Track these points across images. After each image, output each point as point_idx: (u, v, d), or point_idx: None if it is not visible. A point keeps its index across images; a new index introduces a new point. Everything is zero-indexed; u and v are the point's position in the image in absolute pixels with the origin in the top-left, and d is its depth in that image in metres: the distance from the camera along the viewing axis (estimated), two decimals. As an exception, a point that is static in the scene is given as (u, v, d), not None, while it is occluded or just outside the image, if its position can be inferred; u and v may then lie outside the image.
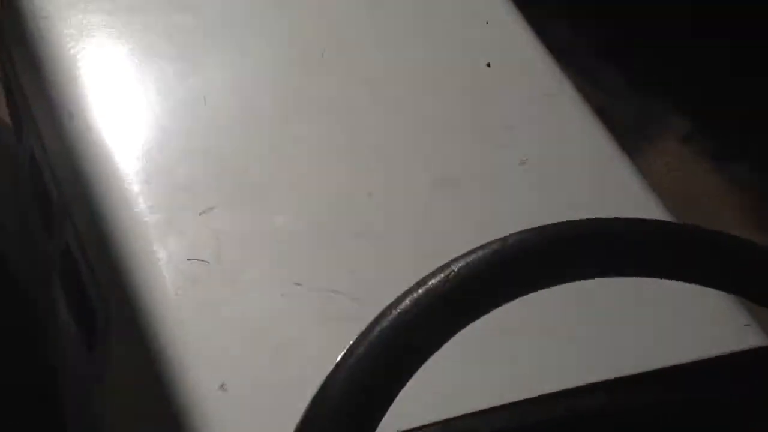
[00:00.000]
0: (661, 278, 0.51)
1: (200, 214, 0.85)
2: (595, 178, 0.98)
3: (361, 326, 0.47)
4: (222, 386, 0.72)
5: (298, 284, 0.80)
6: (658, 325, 0.83)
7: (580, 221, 0.50)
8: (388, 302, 0.47)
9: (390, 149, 0.94)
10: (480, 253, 0.48)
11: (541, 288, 0.49)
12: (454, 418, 0.67)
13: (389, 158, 0.94)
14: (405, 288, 0.47)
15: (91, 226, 0.87)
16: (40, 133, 1.02)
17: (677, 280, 0.51)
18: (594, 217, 0.51)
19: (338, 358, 0.46)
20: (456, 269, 0.47)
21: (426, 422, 0.67)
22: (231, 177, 0.88)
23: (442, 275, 0.47)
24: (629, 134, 2.56)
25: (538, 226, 0.50)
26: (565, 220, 0.50)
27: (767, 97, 2.86)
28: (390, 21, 1.15)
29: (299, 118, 0.96)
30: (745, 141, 2.81)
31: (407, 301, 0.47)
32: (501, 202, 0.93)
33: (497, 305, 0.48)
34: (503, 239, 0.48)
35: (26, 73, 1.05)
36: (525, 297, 0.49)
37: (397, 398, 0.46)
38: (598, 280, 0.50)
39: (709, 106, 2.83)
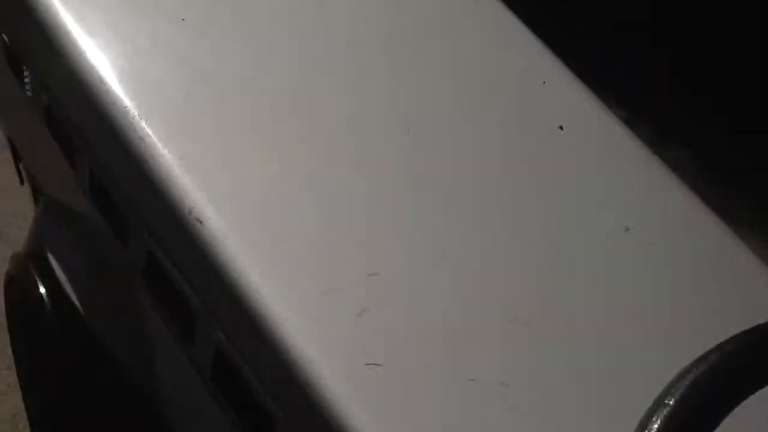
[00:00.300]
0: None
1: (358, 315, 0.88)
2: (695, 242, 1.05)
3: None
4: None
5: (472, 380, 0.84)
6: None
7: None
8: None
9: (528, 230, 1.01)
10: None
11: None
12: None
13: (527, 239, 1.00)
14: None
15: (245, 336, 0.90)
16: (159, 233, 1.04)
17: None
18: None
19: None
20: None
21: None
22: (383, 276, 0.92)
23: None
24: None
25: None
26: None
27: (709, 85, 3.00)
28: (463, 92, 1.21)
29: (434, 209, 1.01)
30: (686, 127, 2.93)
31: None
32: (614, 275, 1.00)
33: None
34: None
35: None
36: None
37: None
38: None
39: (649, 95, 2.95)
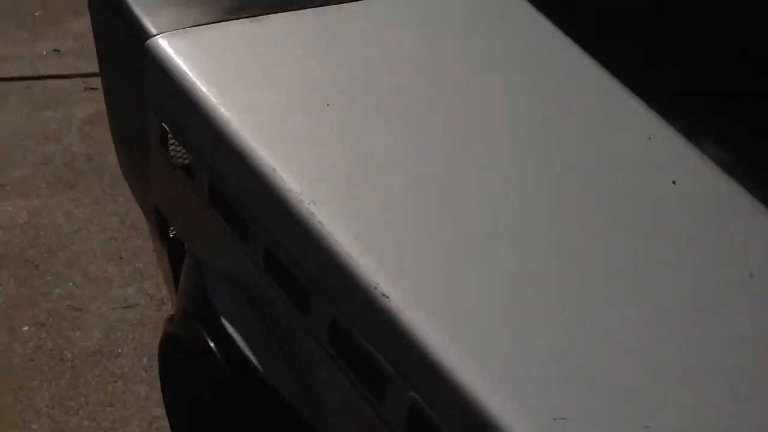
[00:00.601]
0: None
1: (545, 377, 1.02)
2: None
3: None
4: None
5: (647, 427, 0.97)
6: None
7: None
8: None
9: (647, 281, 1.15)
10: None
11: None
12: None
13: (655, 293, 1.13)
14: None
15: (439, 396, 1.05)
16: (343, 306, 1.19)
17: None
18: None
19: None
20: None
21: None
22: (555, 340, 1.06)
23: None
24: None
25: None
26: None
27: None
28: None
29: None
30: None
31: None
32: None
33: None
34: None
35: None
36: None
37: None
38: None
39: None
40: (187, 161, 1.54)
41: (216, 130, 1.38)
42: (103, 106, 2.17)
